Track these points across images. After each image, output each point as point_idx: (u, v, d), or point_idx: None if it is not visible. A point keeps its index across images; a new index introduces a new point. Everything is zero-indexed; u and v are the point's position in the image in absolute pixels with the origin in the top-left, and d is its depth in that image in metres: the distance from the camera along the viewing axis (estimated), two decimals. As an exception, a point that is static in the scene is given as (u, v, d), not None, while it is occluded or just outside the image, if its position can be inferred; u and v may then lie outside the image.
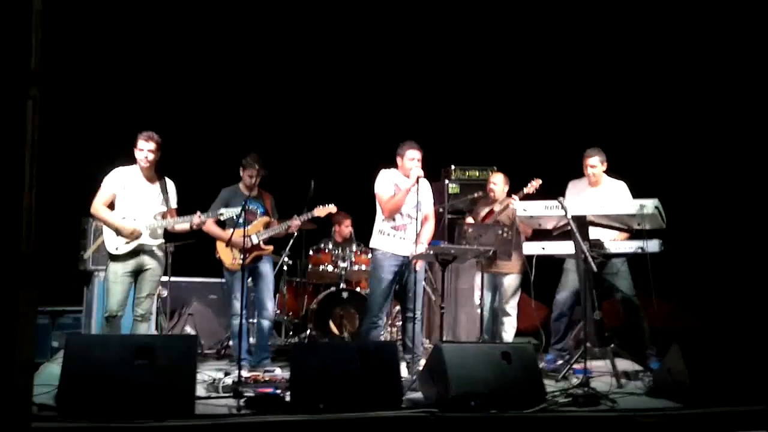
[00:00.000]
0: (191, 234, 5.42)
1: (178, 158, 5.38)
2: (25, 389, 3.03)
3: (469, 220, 5.94)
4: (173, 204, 5.14)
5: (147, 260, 4.96)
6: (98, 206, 4.93)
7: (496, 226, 5.48)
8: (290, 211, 5.82)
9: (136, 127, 5.10)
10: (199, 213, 5.06)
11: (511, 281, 5.79)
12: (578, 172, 5.79)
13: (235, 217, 5.23)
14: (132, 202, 4.95)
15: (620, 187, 5.65)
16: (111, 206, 4.98)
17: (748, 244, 6.57)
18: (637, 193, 5.48)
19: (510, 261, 5.33)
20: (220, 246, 5.59)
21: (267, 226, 5.63)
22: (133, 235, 4.88)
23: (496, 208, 5.87)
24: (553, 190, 5.43)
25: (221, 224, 5.53)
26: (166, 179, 5.14)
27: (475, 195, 6.18)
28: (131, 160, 5.03)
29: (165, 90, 7.43)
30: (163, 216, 5.05)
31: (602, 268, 5.27)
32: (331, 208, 5.77)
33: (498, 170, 6.90)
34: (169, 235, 5.29)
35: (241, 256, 5.31)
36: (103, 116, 7.06)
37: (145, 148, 4.94)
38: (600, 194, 5.62)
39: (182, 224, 5.08)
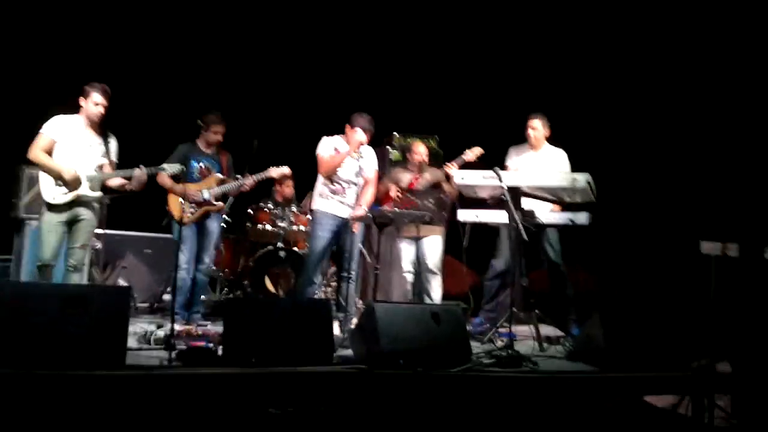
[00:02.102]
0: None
1: (122, 112, 5.28)
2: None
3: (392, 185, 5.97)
4: (113, 158, 5.05)
5: (83, 211, 4.88)
6: (38, 152, 4.77)
7: (435, 190, 5.62)
8: (234, 170, 5.84)
9: (77, 75, 4.98)
10: (141, 166, 4.99)
11: (434, 242, 5.93)
12: (519, 142, 5.95)
13: (189, 172, 5.27)
14: (72, 152, 4.83)
15: (560, 155, 5.84)
16: (49, 155, 4.83)
17: (670, 221, 6.86)
18: (573, 167, 5.70)
19: (445, 226, 5.48)
20: (172, 198, 5.59)
21: (221, 183, 5.63)
22: (75, 182, 4.78)
23: (426, 176, 5.98)
24: (494, 160, 5.55)
25: (175, 178, 5.49)
26: (108, 132, 5.04)
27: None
28: (71, 110, 4.90)
29: (107, 38, 7.24)
30: (101, 168, 4.97)
31: (535, 238, 5.48)
32: (285, 170, 5.87)
33: (436, 140, 7.04)
34: (107, 188, 5.21)
35: (191, 210, 5.34)
36: (42, 63, 6.85)
37: (101, 103, 4.84)
38: (540, 158, 5.80)
39: (121, 177, 4.99)
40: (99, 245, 6.40)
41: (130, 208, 6.68)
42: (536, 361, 4.37)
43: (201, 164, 5.68)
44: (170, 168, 5.12)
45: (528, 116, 5.86)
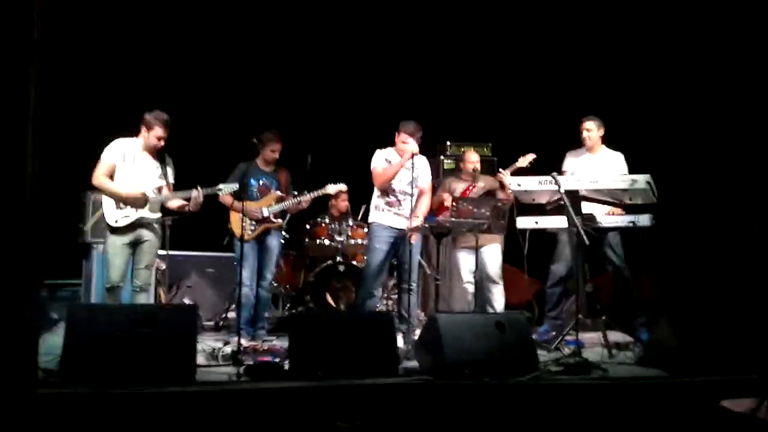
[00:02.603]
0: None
1: (178, 132, 5.41)
2: (30, 355, 3.11)
3: (446, 195, 5.94)
4: (171, 179, 5.17)
5: (145, 233, 5.00)
6: (101, 177, 4.92)
7: (491, 198, 5.58)
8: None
9: (138, 98, 5.11)
10: (198, 187, 5.10)
11: (493, 251, 5.88)
12: (575, 146, 5.86)
13: (249, 190, 5.43)
14: (131, 175, 4.97)
15: (617, 157, 5.73)
16: (110, 179, 4.98)
17: (739, 222, 6.65)
18: (632, 169, 5.58)
19: (503, 233, 5.43)
20: (233, 216, 5.70)
21: (279, 200, 5.73)
22: (140, 200, 4.90)
23: (479, 184, 5.94)
24: (550, 166, 5.47)
25: (236, 196, 5.59)
26: (165, 155, 5.16)
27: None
28: (131, 133, 5.05)
29: (162, 64, 7.44)
30: (159, 190, 5.09)
31: (596, 243, 5.39)
32: (342, 187, 5.92)
33: (492, 147, 6.99)
34: (166, 210, 5.33)
35: (251, 228, 5.46)
36: (103, 88, 7.07)
37: (163, 137, 4.96)
38: (597, 161, 5.70)
39: (180, 199, 5.10)
40: (164, 266, 6.54)
41: (192, 229, 6.83)
42: (606, 367, 4.30)
43: (260, 182, 5.77)
44: (227, 188, 5.22)
45: (581, 119, 5.78)
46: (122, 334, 3.79)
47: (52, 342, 4.33)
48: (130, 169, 4.98)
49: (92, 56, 7.01)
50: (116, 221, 4.92)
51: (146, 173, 5.03)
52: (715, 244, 6.85)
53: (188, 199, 5.06)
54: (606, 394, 3.96)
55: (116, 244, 4.92)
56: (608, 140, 5.81)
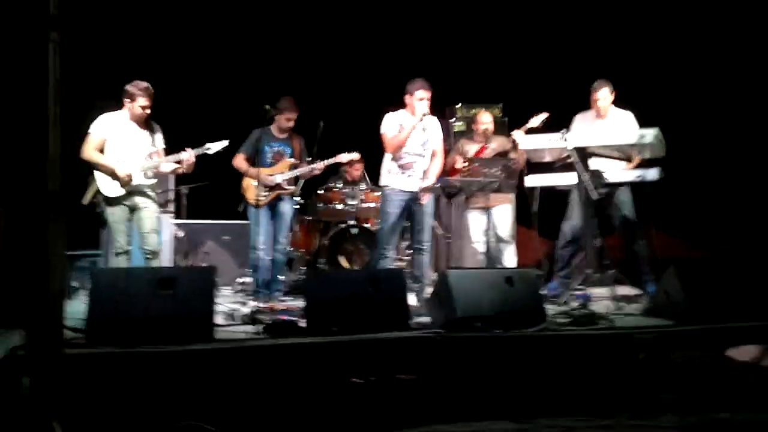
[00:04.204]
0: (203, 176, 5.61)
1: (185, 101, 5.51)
2: (57, 316, 3.26)
3: (458, 157, 5.98)
4: (161, 145, 5.29)
5: (141, 199, 5.15)
6: (90, 150, 5.06)
7: (501, 158, 5.64)
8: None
9: (149, 69, 5.20)
10: (188, 149, 5.21)
11: (504, 211, 5.96)
12: (585, 106, 5.87)
13: (263, 156, 5.60)
14: (122, 147, 5.11)
15: (627, 117, 5.72)
16: (102, 152, 5.11)
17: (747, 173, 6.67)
18: (643, 122, 5.59)
19: (514, 192, 5.50)
20: (246, 182, 5.82)
21: (292, 168, 5.82)
22: (127, 180, 5.06)
23: (492, 145, 5.99)
24: (561, 125, 5.49)
25: (252, 162, 5.75)
26: (153, 123, 5.27)
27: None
28: (114, 108, 5.16)
29: (174, 32, 7.51)
30: (151, 157, 5.20)
31: (606, 199, 5.46)
32: (354, 156, 6.02)
33: (503, 107, 7.02)
34: (184, 178, 5.45)
35: (264, 194, 5.59)
36: (115, 60, 7.15)
37: (146, 105, 5.08)
38: (607, 126, 5.69)
39: (172, 162, 5.23)
40: (182, 234, 6.69)
41: (209, 198, 6.97)
42: (612, 319, 4.38)
43: (274, 149, 5.87)
44: (215, 146, 5.31)
45: (592, 86, 5.73)
46: (144, 296, 3.90)
47: (75, 308, 4.48)
48: (120, 141, 5.12)
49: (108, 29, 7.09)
50: (111, 191, 5.08)
51: (137, 143, 5.17)
52: (722, 194, 6.89)
53: (180, 162, 5.20)
54: (612, 344, 4.05)
55: (116, 213, 5.11)
56: (617, 95, 5.79)
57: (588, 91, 5.79)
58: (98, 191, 5.17)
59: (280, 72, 7.66)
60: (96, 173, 5.12)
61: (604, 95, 5.68)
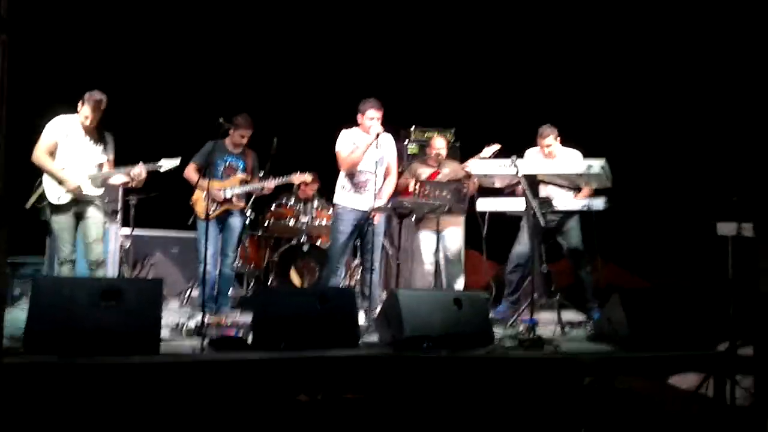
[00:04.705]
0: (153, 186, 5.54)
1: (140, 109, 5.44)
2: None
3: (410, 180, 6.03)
4: (111, 155, 5.18)
5: (86, 208, 5.05)
6: (41, 155, 4.94)
7: (454, 182, 5.72)
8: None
9: (105, 72, 5.11)
10: (141, 163, 5.12)
11: (454, 234, 6.04)
12: (535, 139, 5.98)
13: (215, 169, 5.60)
14: (73, 152, 5.00)
15: (575, 156, 5.84)
16: (52, 156, 4.99)
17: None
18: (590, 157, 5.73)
19: (463, 215, 5.58)
20: (197, 194, 5.80)
21: (243, 183, 5.79)
22: (75, 191, 4.96)
23: (444, 170, 6.07)
24: (512, 152, 5.59)
25: (203, 174, 5.69)
26: (105, 132, 5.18)
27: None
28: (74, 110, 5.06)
29: (129, 39, 7.43)
30: (100, 167, 5.11)
31: (555, 227, 5.58)
32: (307, 178, 5.96)
33: (453, 133, 7.11)
34: (133, 189, 5.36)
35: (213, 208, 5.58)
36: (68, 64, 7.04)
37: (89, 117, 4.96)
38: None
39: (122, 175, 5.13)
40: (128, 244, 6.57)
41: (157, 208, 6.85)
42: (558, 343, 4.46)
43: (227, 162, 5.83)
44: (168, 163, 5.23)
45: (538, 132, 5.76)
46: (87, 306, 3.82)
47: (16, 316, 4.35)
48: (71, 146, 5.01)
49: (60, 32, 6.97)
50: (58, 198, 4.96)
51: (87, 151, 5.06)
52: (664, 225, 7.11)
53: (130, 175, 5.11)
54: (557, 369, 4.12)
55: (61, 221, 4.99)
56: (565, 131, 5.89)
57: (537, 124, 5.90)
58: (43, 196, 5.04)
59: (237, 88, 7.63)
60: (44, 177, 4.99)
61: (550, 141, 5.76)
